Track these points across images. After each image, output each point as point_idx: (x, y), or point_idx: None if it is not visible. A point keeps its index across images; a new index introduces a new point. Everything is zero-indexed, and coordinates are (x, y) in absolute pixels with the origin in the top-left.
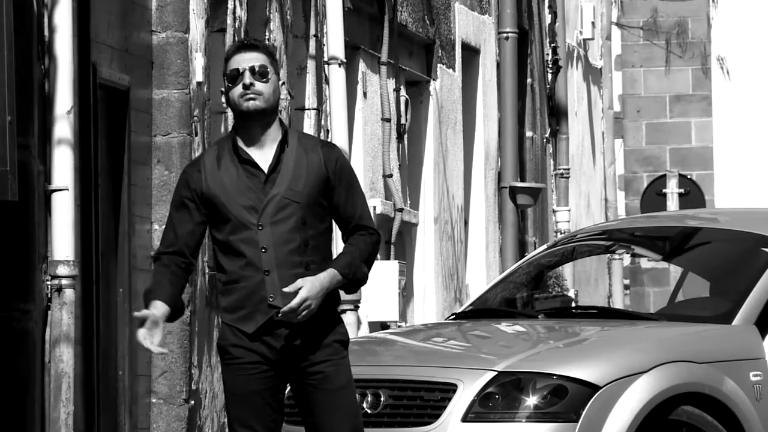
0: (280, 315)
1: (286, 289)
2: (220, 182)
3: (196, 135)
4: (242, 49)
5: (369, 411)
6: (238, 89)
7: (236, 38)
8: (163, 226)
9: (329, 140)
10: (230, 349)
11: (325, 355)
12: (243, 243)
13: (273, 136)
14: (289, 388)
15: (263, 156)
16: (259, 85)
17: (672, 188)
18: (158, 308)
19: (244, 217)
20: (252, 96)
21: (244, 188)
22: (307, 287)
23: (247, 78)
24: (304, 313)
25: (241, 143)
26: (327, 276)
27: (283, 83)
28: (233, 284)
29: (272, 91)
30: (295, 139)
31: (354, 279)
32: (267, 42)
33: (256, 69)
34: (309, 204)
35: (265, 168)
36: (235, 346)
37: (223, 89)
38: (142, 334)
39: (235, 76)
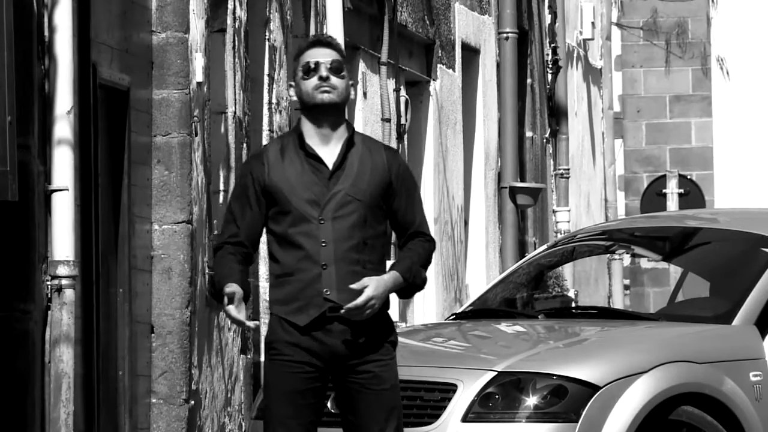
0: (343, 311)
1: (353, 286)
2: (284, 174)
3: (196, 135)
4: (318, 44)
5: None
6: (314, 81)
7: (236, 38)
8: (157, 225)
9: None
10: (279, 345)
11: (375, 354)
12: (302, 236)
13: (340, 134)
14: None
15: (329, 153)
16: (334, 79)
17: (672, 188)
18: (238, 288)
19: (305, 211)
20: (327, 89)
21: (308, 182)
22: (373, 286)
23: (324, 71)
24: (368, 311)
25: (307, 138)
26: (390, 277)
27: (353, 84)
28: (287, 277)
29: (345, 87)
30: (360, 140)
31: (413, 284)
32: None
33: (333, 64)
34: (371, 204)
35: (330, 164)
36: (285, 342)
37: (292, 83)
38: (233, 309)
39: (311, 69)
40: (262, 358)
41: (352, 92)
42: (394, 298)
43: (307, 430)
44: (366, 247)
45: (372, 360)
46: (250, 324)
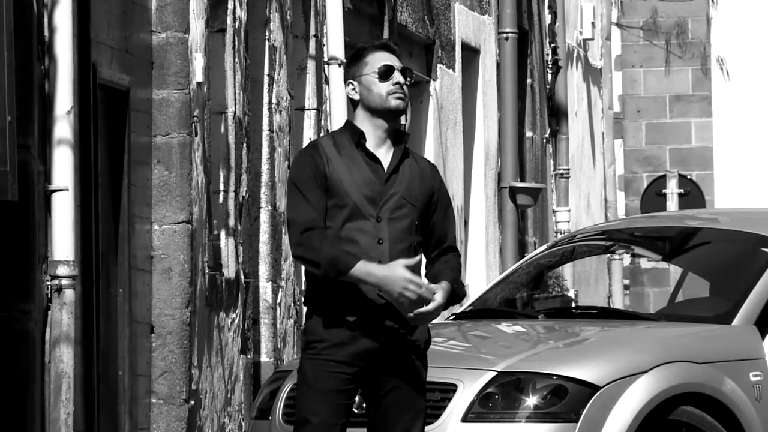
0: (411, 316)
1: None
2: (343, 169)
3: (196, 135)
4: (385, 49)
5: None
6: (388, 86)
7: (236, 38)
8: (157, 225)
9: None
10: (319, 344)
11: (411, 354)
12: (359, 232)
13: (394, 139)
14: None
15: (383, 155)
16: (405, 87)
17: (672, 188)
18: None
19: (364, 207)
20: (402, 95)
21: (367, 179)
22: (441, 294)
23: (400, 77)
24: (432, 319)
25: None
26: (447, 287)
27: None
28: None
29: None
30: (410, 150)
31: (457, 295)
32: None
33: (406, 72)
34: (421, 211)
35: (385, 166)
36: (326, 342)
37: (354, 82)
38: (414, 276)
39: (388, 72)
40: (262, 358)
41: None
42: None
43: (339, 429)
44: (415, 252)
45: (407, 359)
46: (432, 287)
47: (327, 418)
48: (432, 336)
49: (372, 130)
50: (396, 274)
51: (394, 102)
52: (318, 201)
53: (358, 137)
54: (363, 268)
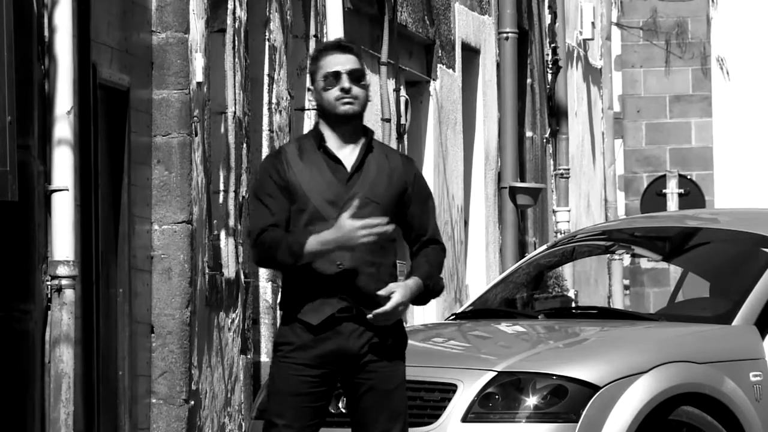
0: (370, 317)
1: (380, 292)
2: (304, 173)
3: (196, 135)
4: (338, 49)
5: None
6: (336, 92)
7: (236, 38)
8: (157, 225)
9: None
10: (285, 347)
11: (384, 354)
12: None
13: (358, 138)
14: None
15: (347, 155)
16: (355, 89)
17: (672, 188)
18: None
19: (324, 210)
20: (349, 100)
21: (328, 182)
22: (400, 292)
23: (346, 82)
24: (394, 318)
25: (327, 140)
26: (414, 283)
27: (367, 85)
28: (301, 276)
29: (365, 95)
30: (377, 145)
31: (432, 290)
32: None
33: (354, 73)
34: (387, 208)
35: (348, 167)
36: (293, 345)
37: (311, 87)
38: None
39: (333, 78)
40: (262, 358)
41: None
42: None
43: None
44: (381, 249)
45: (380, 360)
46: (382, 221)
47: (292, 420)
48: (431, 336)
49: (334, 135)
50: (344, 227)
51: (342, 108)
52: (277, 207)
53: (319, 140)
54: (315, 240)
